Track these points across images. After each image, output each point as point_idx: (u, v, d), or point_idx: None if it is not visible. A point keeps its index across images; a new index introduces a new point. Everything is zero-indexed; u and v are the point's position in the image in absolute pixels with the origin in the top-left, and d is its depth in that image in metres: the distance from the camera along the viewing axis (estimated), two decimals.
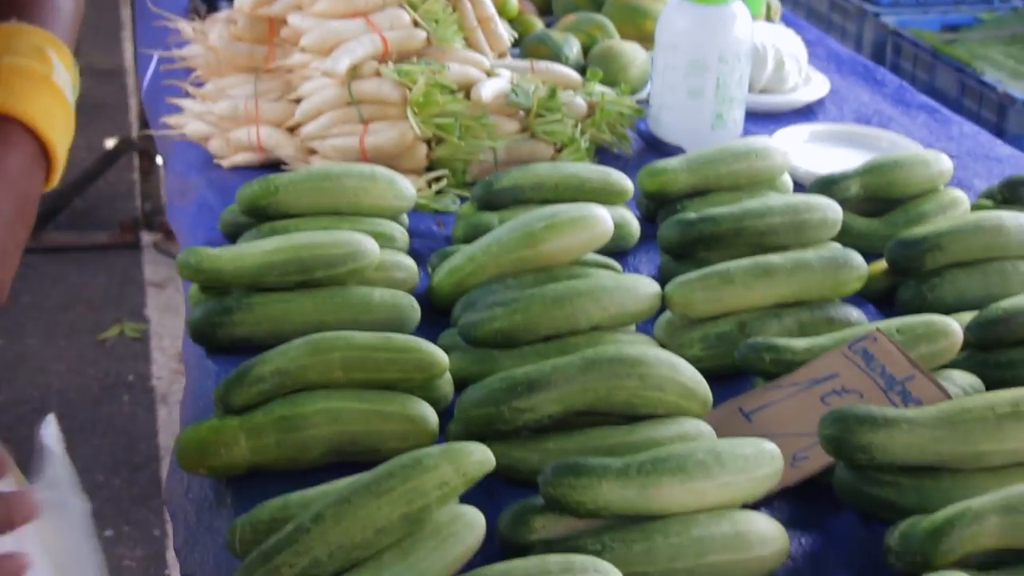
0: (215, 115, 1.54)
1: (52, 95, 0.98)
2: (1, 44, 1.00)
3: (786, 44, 1.87)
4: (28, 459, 0.90)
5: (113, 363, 2.89)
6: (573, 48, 1.86)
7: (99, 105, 4.19)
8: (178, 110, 1.63)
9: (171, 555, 2.24)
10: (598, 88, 1.69)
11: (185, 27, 1.67)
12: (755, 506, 1.02)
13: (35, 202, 0.93)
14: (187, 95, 1.62)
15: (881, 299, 1.32)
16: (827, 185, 1.42)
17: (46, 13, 1.07)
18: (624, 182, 1.45)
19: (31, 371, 2.81)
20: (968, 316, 1.19)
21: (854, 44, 2.86)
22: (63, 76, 1.00)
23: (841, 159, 1.59)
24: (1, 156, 0.89)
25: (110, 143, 3.75)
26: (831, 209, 1.31)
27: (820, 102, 1.88)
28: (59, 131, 0.95)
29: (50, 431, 0.89)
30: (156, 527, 2.39)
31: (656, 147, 1.76)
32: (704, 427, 1.09)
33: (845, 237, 1.34)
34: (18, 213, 0.90)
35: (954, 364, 1.15)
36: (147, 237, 3.40)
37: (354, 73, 1.53)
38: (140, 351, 2.93)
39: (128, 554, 2.31)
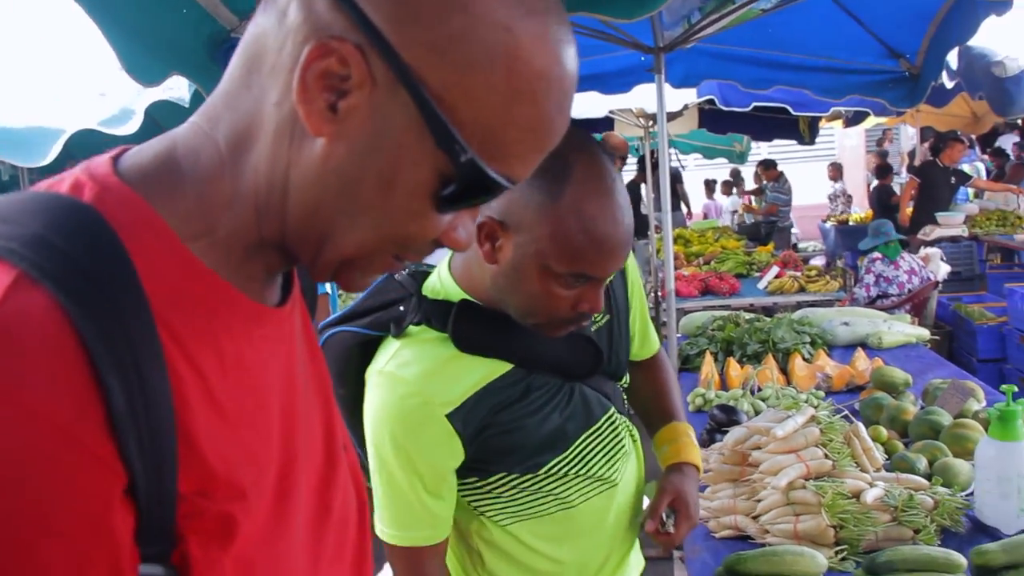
0: (712, 508, 2.46)
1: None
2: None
3: None
4: None
5: None
6: (922, 463, 2.46)
7: None
8: None
9: None
10: (940, 489, 2.28)
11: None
12: None
13: None
14: None
15: None
16: None
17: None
18: (959, 559, 2.00)
19: None
20: None
21: None
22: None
23: None
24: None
25: None
26: None
27: None
28: None
29: None
30: None
31: (980, 527, 2.23)
32: None
33: None
34: None
35: None
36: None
37: (790, 487, 2.29)
38: None
39: None
